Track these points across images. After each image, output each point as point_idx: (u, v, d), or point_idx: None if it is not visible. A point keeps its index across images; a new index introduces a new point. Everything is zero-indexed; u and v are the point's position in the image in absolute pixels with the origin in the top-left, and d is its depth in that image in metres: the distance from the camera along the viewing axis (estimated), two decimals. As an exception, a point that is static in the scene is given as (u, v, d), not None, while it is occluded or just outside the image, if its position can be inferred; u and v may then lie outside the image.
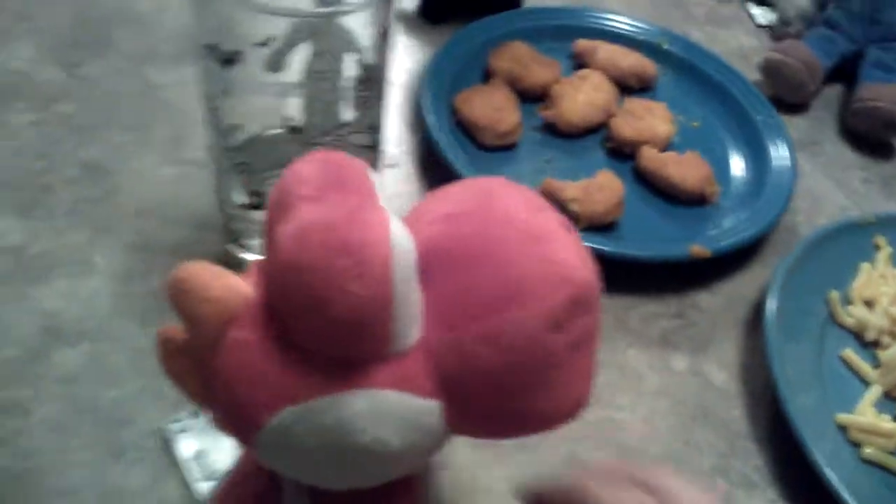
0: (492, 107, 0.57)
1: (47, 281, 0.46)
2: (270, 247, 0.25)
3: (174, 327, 0.30)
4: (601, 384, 0.45)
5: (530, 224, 0.27)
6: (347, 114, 0.40)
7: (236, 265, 0.46)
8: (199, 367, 0.28)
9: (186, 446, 0.40)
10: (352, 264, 0.23)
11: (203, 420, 0.41)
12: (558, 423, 0.27)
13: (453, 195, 0.28)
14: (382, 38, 0.38)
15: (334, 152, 0.27)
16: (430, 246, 0.26)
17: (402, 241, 0.24)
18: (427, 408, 0.26)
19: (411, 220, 0.27)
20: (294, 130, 0.41)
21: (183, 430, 0.41)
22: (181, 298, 0.27)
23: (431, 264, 0.26)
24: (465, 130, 0.57)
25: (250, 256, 0.46)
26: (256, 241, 0.45)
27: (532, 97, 0.60)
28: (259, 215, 0.43)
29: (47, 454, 0.40)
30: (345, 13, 0.36)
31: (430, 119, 0.55)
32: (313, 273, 0.23)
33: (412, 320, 0.25)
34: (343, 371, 0.25)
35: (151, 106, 0.57)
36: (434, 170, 0.55)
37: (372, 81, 0.40)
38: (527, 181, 0.53)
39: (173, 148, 0.54)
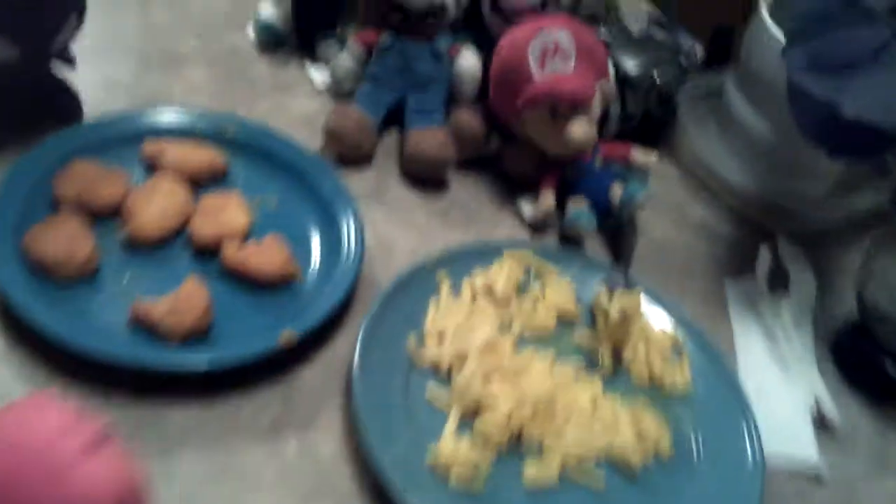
0: (63, 239, 0.57)
1: None
2: None
3: None
4: (227, 496, 0.49)
5: (53, 457, 0.29)
6: None
7: None
8: None
9: None
10: None
11: None
12: None
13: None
14: None
15: None
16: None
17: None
18: None
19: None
20: None
21: None
22: None
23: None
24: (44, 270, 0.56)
25: None
26: None
27: (108, 215, 0.61)
28: None
29: None
30: None
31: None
32: None
33: None
34: None
35: None
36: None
37: None
38: (114, 307, 0.56)
39: None
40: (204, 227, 0.61)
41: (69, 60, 0.67)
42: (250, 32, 0.84)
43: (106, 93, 0.73)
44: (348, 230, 0.64)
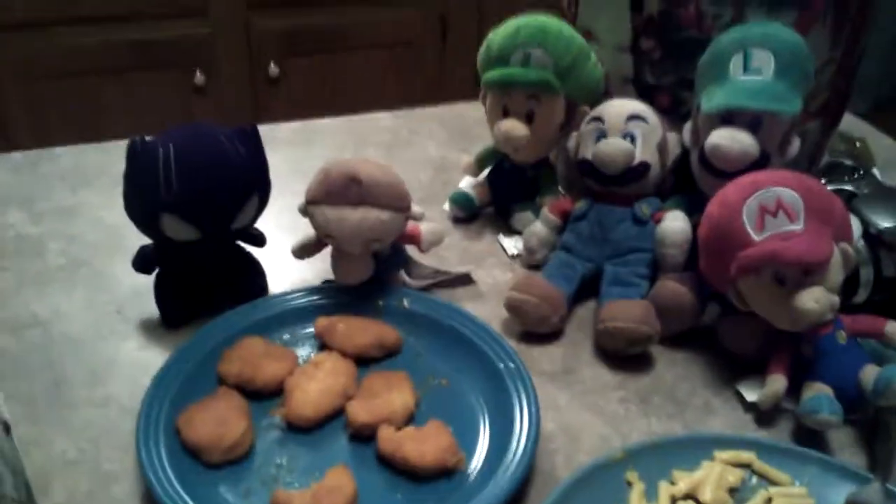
0: (215, 421, 0.54)
1: None
2: None
3: None
4: None
5: None
6: None
7: None
8: None
9: None
10: None
11: None
12: None
13: None
14: None
15: None
16: None
17: None
18: None
19: None
20: None
21: None
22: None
23: None
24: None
25: None
26: None
27: (268, 395, 0.58)
28: None
29: None
30: None
31: (143, 454, 0.52)
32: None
33: None
34: None
35: None
36: None
37: None
38: (259, 496, 0.52)
39: None
40: (360, 409, 0.56)
41: (255, 239, 0.68)
42: (446, 207, 0.82)
43: (292, 268, 0.72)
44: (521, 415, 0.56)
